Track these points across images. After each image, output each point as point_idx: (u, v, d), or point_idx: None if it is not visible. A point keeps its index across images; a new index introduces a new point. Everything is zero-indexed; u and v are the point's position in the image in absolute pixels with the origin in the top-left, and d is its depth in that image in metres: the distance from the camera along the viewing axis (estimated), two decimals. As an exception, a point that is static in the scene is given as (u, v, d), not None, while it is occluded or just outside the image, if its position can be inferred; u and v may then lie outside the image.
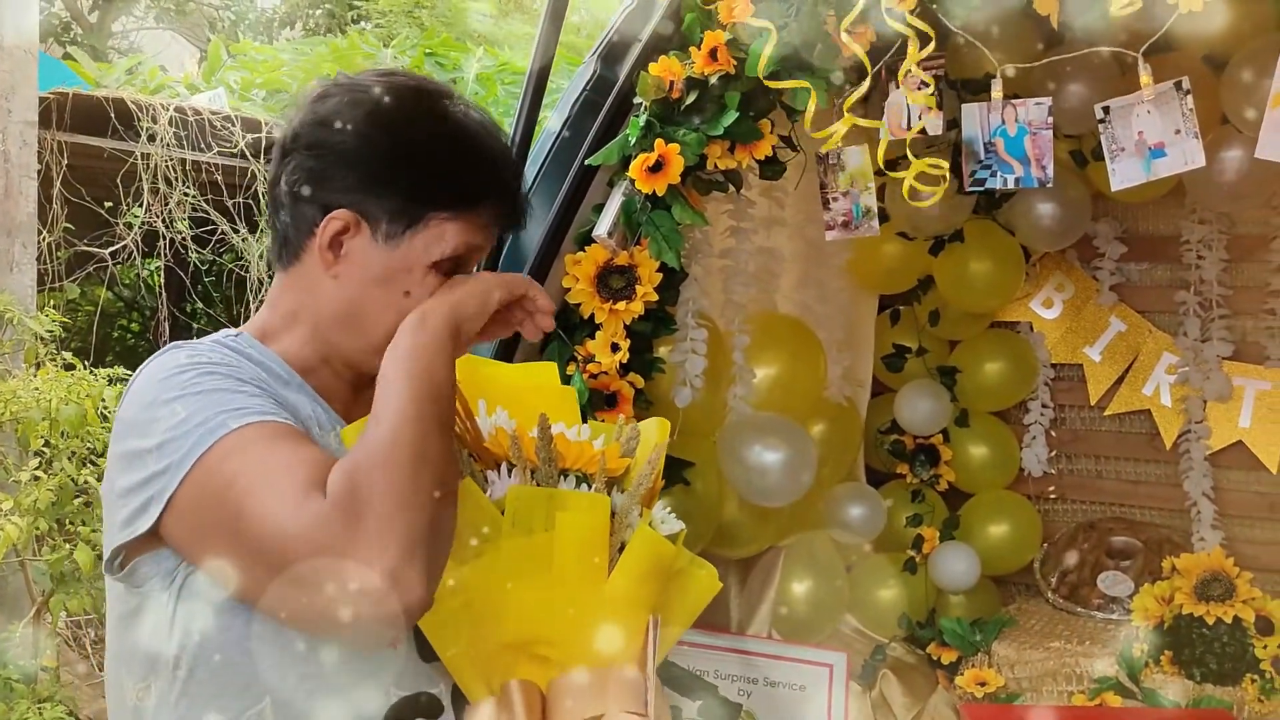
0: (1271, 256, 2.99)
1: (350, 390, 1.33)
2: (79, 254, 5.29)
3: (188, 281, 5.86)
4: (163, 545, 1.16)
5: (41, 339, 3.93)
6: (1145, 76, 1.83)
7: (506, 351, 2.19)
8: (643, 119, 2.14)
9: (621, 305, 2.18)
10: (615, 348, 2.21)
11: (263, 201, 5.47)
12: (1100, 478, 3.31)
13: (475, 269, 1.37)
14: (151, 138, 5.04)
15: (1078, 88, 2.55)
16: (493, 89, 7.14)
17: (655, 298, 2.20)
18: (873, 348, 3.27)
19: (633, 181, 2.14)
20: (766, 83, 2.03)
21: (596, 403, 2.23)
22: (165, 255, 5.39)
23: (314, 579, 1.03)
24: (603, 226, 2.17)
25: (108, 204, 5.19)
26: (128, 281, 6.89)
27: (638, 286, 2.19)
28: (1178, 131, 1.84)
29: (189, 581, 1.16)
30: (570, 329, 2.26)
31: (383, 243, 1.27)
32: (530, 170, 2.29)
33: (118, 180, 5.06)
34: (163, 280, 6.30)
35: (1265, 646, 2.53)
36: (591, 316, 2.20)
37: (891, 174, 2.04)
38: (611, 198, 2.20)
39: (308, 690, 1.17)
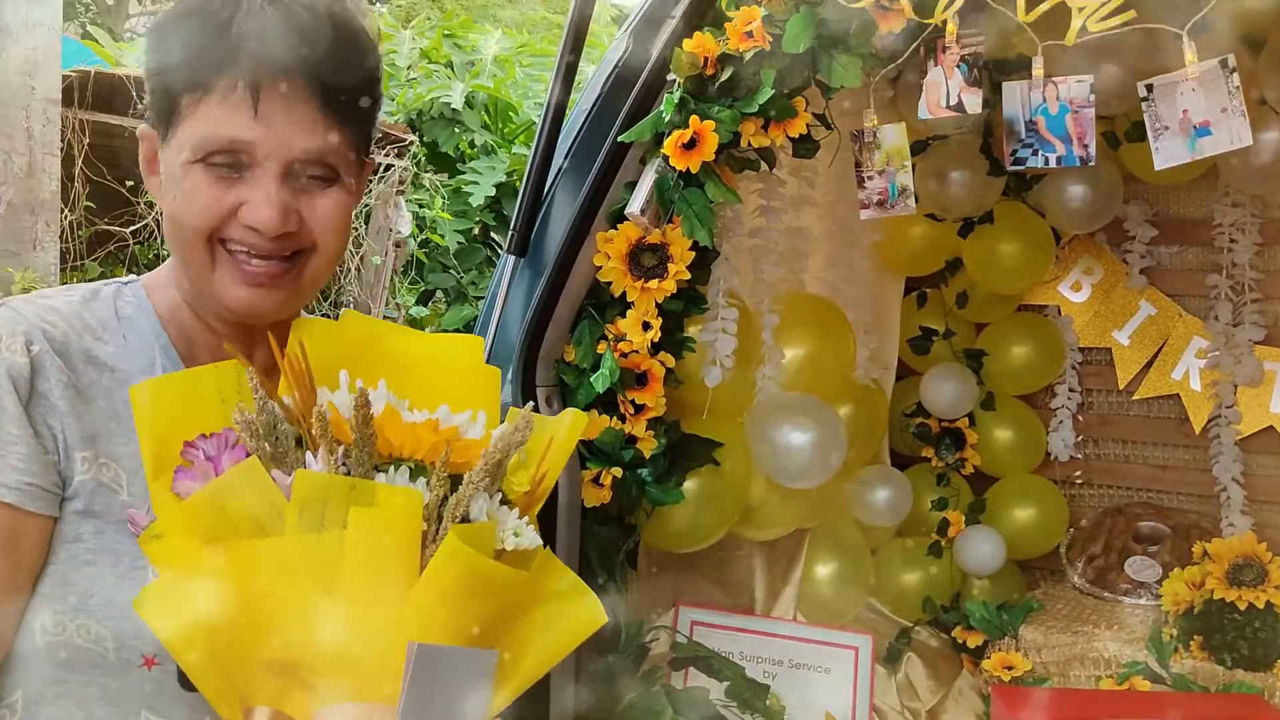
0: (1305, 240, 2.96)
1: (213, 336, 1.25)
2: (100, 233, 5.29)
3: (207, 261, 5.85)
4: None
5: (65, 317, 3.93)
6: (1190, 54, 1.81)
7: (537, 328, 2.19)
8: (677, 96, 2.12)
9: (654, 283, 2.17)
10: (647, 326, 2.20)
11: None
12: (1128, 462, 3.29)
13: (287, 177, 1.15)
14: (173, 117, 5.03)
15: (1112, 67, 2.52)
16: (511, 71, 7.13)
17: (687, 276, 2.19)
18: (898, 330, 3.26)
19: (666, 159, 2.13)
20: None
21: (627, 381, 2.22)
22: (185, 235, 5.39)
23: None
24: (635, 204, 2.16)
25: (129, 183, 5.19)
26: (146, 261, 6.89)
27: (670, 265, 2.17)
28: (1224, 110, 1.81)
29: None
30: (601, 307, 2.24)
31: (166, 147, 1.18)
32: (561, 147, 2.27)
33: (139, 159, 5.06)
34: (182, 260, 6.30)
35: (1297, 632, 2.51)
36: (623, 295, 2.19)
37: None
38: (644, 175, 2.18)
39: (56, 694, 1.15)
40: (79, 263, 5.04)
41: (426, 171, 6.40)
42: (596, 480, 2.21)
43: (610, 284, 2.19)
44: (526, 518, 1.06)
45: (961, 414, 3.20)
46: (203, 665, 1.00)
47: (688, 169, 2.11)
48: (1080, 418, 3.31)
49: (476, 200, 6.22)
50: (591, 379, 2.20)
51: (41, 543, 1.14)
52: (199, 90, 1.13)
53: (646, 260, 2.18)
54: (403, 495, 0.99)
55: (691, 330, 2.37)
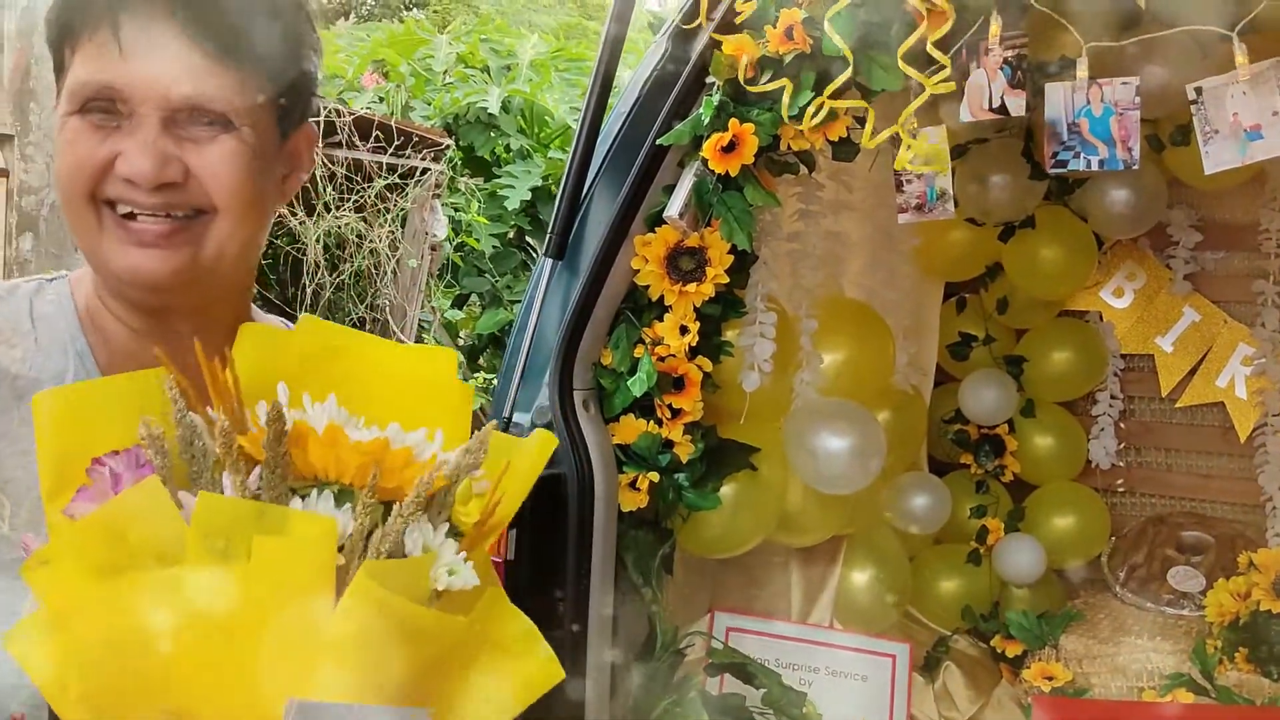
0: (1354, 246, 2.91)
1: (134, 339, 1.14)
2: (139, 236, 5.33)
3: (245, 265, 5.88)
4: None
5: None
6: (1240, 56, 1.77)
7: (574, 332, 2.18)
8: (716, 99, 2.11)
9: (691, 287, 2.15)
10: (684, 330, 2.18)
11: (319, 185, 5.49)
12: (1170, 471, 3.24)
13: (170, 125, 1.04)
14: (210, 121, 5.07)
15: (1156, 69, 2.48)
16: (547, 75, 7.14)
17: (726, 280, 2.18)
18: (937, 335, 3.23)
19: (705, 162, 2.11)
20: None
21: (664, 385, 2.21)
22: (223, 238, 5.42)
23: None
24: (674, 207, 2.14)
25: (167, 186, 5.23)
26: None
27: (708, 268, 2.16)
28: (1275, 113, 1.78)
29: None
30: (639, 310, 2.23)
31: (56, 109, 1.07)
32: (599, 150, 2.27)
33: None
34: (219, 263, 6.33)
35: (1346, 645, 2.47)
36: (661, 298, 2.18)
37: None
38: (683, 178, 2.17)
39: None
40: (120, 265, 5.08)
41: (462, 175, 6.42)
42: (633, 485, 2.20)
43: (648, 287, 2.18)
44: (464, 554, 0.91)
45: (1001, 420, 3.17)
46: (83, 716, 0.85)
47: (726, 172, 2.10)
48: (1122, 425, 3.27)
49: (512, 204, 6.22)
50: (628, 383, 2.18)
51: None
52: (74, 37, 1.04)
53: (684, 264, 2.16)
54: (317, 524, 0.84)
55: (729, 334, 2.36)
